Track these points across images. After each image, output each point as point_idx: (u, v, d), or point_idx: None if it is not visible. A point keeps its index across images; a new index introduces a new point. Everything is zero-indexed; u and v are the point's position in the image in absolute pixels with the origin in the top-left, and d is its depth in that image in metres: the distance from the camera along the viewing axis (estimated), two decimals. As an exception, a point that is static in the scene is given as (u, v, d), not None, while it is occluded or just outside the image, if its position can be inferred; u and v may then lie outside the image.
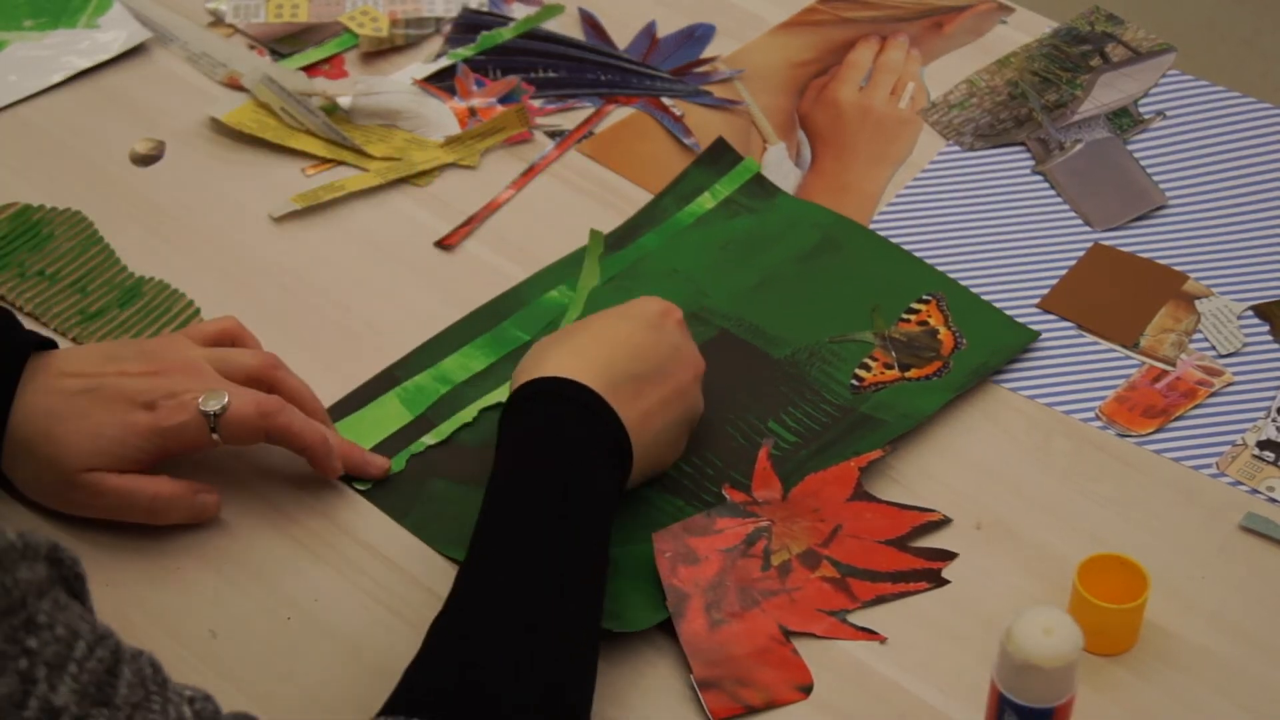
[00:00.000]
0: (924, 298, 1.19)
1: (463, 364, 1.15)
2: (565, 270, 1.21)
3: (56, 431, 1.02)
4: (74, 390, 1.03)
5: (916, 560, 1.04)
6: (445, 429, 1.11)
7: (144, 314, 1.17)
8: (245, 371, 1.06)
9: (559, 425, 0.99)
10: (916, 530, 1.05)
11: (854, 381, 1.13)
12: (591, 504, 0.98)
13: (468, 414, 1.11)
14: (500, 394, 1.12)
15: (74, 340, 1.16)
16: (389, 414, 1.12)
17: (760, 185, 1.27)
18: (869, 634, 1.00)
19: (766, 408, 1.11)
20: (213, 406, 1.02)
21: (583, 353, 1.02)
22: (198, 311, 1.17)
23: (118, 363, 1.05)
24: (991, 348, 1.15)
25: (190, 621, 1.00)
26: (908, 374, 1.14)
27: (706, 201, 1.26)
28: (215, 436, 1.03)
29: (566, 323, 1.17)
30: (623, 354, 1.03)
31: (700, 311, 1.17)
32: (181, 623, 1.00)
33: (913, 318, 1.18)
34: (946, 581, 1.03)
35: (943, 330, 1.16)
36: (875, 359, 1.15)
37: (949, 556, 1.04)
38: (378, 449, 1.10)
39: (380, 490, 1.08)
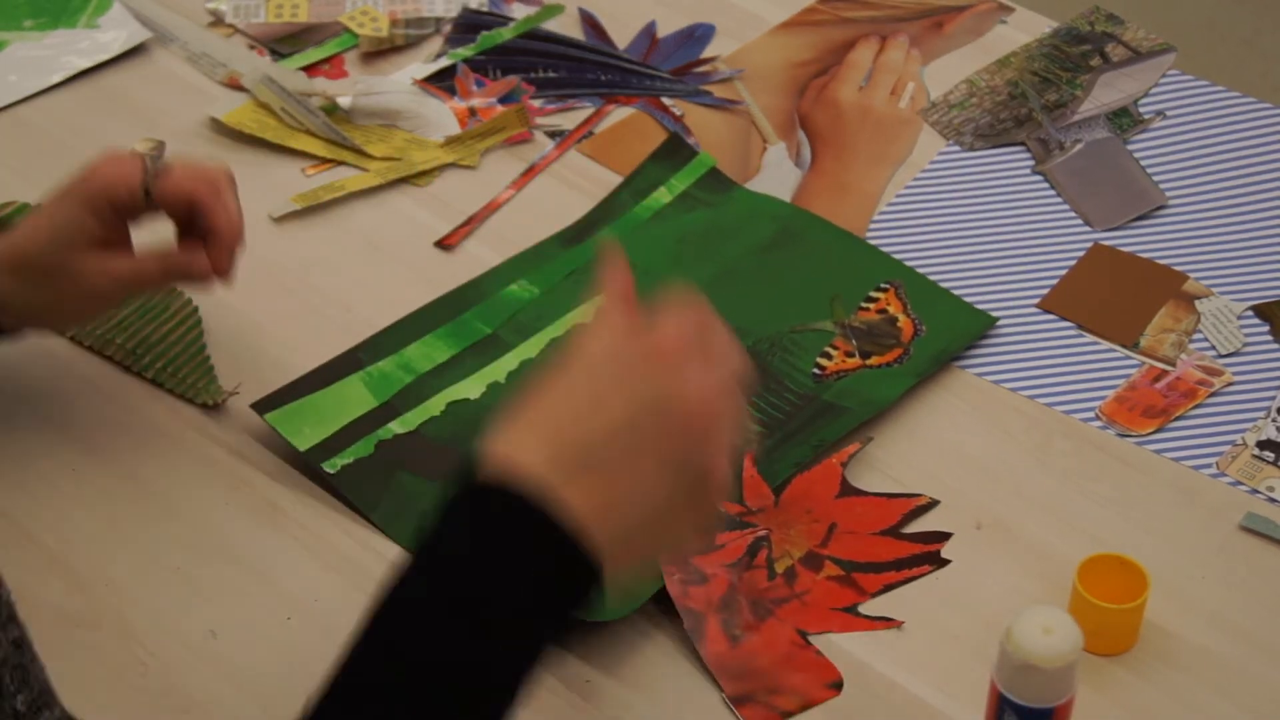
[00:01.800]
0: (882, 286, 1.20)
1: (425, 353, 1.15)
2: (526, 264, 1.21)
3: (27, 246, 1.05)
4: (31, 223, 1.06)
5: (914, 545, 1.05)
6: (412, 419, 1.11)
7: (142, 312, 1.17)
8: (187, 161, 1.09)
9: (482, 558, 0.79)
10: (907, 516, 1.06)
11: (816, 370, 1.14)
12: (503, 659, 0.79)
13: (435, 406, 1.12)
14: (465, 387, 1.13)
15: (72, 339, 1.15)
16: (353, 397, 1.12)
17: (716, 179, 1.28)
18: (885, 622, 1.01)
19: None
20: (152, 152, 1.06)
21: (534, 425, 0.81)
22: (196, 309, 1.17)
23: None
24: (951, 334, 1.16)
25: (190, 621, 1.00)
26: (869, 361, 1.15)
27: (663, 196, 1.27)
28: (148, 193, 1.05)
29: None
30: (576, 421, 0.81)
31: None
32: (181, 623, 1.00)
33: (872, 306, 1.18)
34: (947, 561, 1.04)
35: (902, 317, 1.17)
36: (836, 347, 1.16)
37: (944, 538, 1.05)
38: (342, 432, 1.10)
39: (349, 477, 1.08)
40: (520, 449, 0.80)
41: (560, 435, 0.80)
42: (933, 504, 1.07)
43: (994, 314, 1.18)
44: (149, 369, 1.13)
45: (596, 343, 0.84)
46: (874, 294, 1.19)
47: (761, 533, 1.05)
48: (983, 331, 1.17)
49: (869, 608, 1.02)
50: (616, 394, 0.81)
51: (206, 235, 1.07)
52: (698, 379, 0.83)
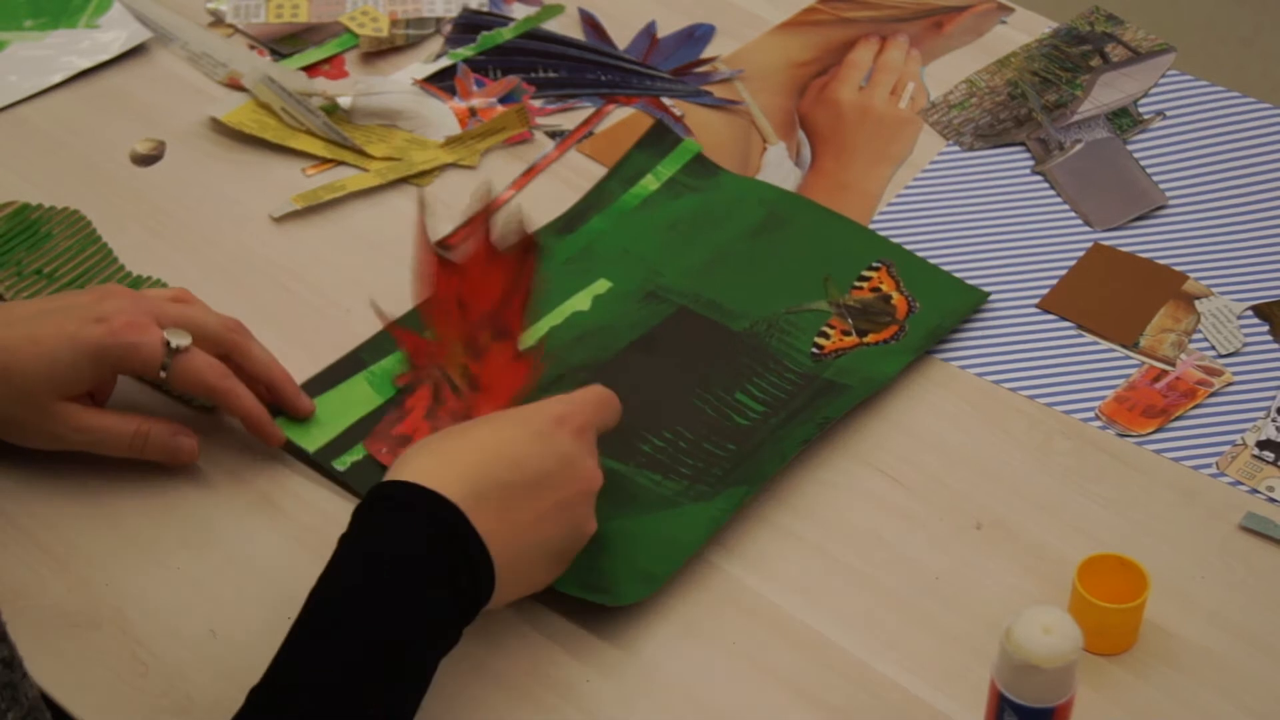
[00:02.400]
0: (874, 265, 1.20)
1: None
2: None
3: (11, 365, 1.02)
4: (20, 319, 1.04)
5: (510, 256, 1.06)
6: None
7: None
8: (206, 330, 1.06)
9: (399, 538, 0.91)
10: (523, 268, 1.07)
11: (814, 349, 1.15)
12: (417, 632, 0.89)
13: None
14: None
15: None
16: (357, 397, 1.12)
17: (702, 165, 1.29)
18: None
19: (732, 379, 1.13)
20: (176, 340, 1.04)
21: (451, 459, 0.94)
22: None
23: (65, 297, 1.07)
24: (944, 310, 1.17)
25: (190, 621, 1.00)
26: (866, 339, 1.15)
27: (650, 183, 1.27)
28: (164, 374, 1.04)
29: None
30: (497, 461, 0.94)
31: (657, 290, 1.19)
32: (181, 623, 1.00)
33: (865, 284, 1.19)
34: (538, 244, 1.06)
35: (895, 295, 1.18)
36: (833, 327, 1.16)
37: (533, 237, 1.06)
38: (349, 431, 1.10)
39: (359, 473, 1.08)
40: (433, 476, 0.92)
41: (470, 468, 0.93)
42: (535, 239, 1.06)
43: (994, 314, 1.18)
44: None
45: (514, 410, 0.99)
46: (866, 273, 1.20)
47: (433, 371, 1.09)
48: (976, 306, 1.18)
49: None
50: (531, 447, 0.96)
51: (240, 419, 1.08)
52: (592, 454, 0.99)
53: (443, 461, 0.94)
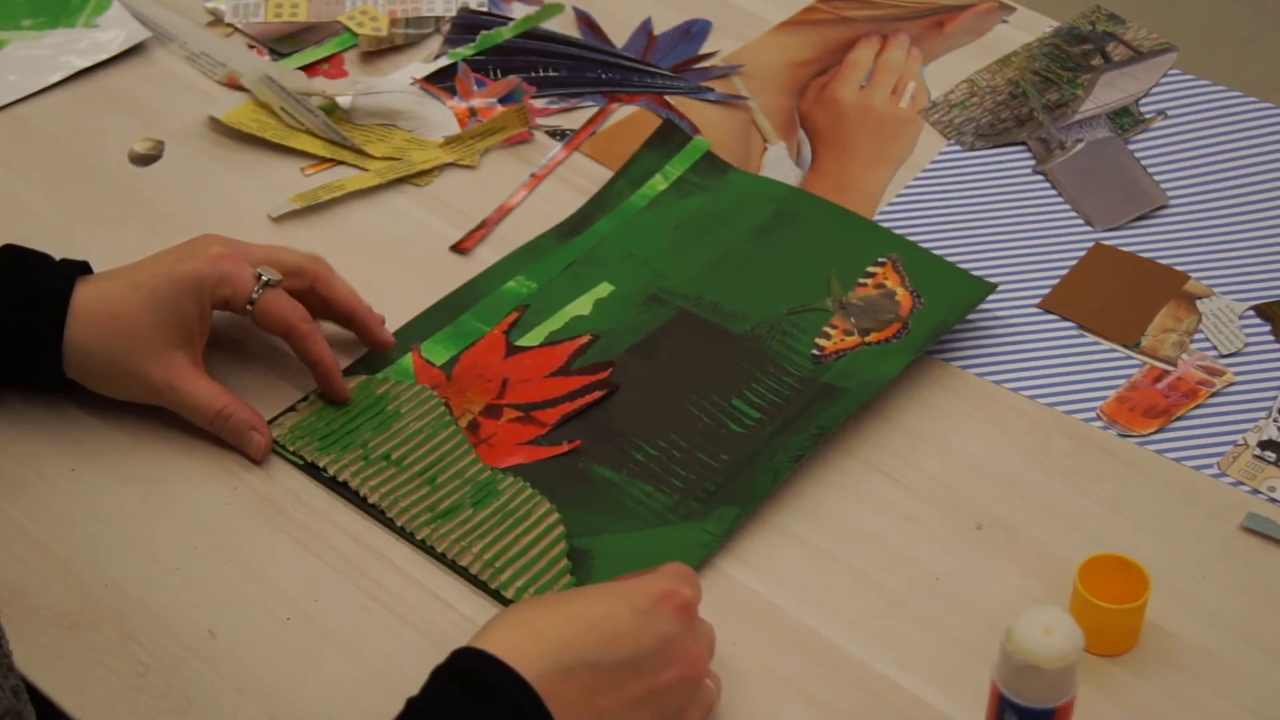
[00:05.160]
0: (879, 260, 1.20)
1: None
2: (523, 260, 1.21)
3: (117, 311, 1.06)
4: (120, 272, 1.08)
5: (584, 377, 1.12)
6: None
7: (502, 517, 1.05)
8: (290, 263, 1.11)
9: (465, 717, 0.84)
10: (574, 355, 1.13)
11: (815, 351, 1.14)
12: None
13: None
14: None
15: (422, 541, 1.04)
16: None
17: (711, 163, 1.28)
18: (569, 444, 1.08)
19: (729, 385, 1.12)
20: (268, 274, 1.08)
21: (538, 632, 0.86)
22: (559, 520, 1.04)
23: (159, 252, 1.11)
24: (950, 304, 1.16)
25: (190, 621, 1.00)
26: (868, 338, 1.15)
27: (659, 183, 1.27)
28: (250, 308, 1.08)
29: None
30: (589, 637, 0.86)
31: (659, 293, 1.18)
32: (181, 623, 1.00)
33: (869, 281, 1.18)
34: (618, 386, 1.11)
35: (900, 291, 1.17)
36: (835, 326, 1.16)
37: (609, 365, 1.13)
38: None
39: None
40: (515, 648, 0.85)
41: (559, 644, 0.86)
42: (595, 340, 1.14)
43: (995, 314, 1.18)
44: (508, 586, 1.01)
45: (618, 581, 0.92)
46: (871, 269, 1.19)
47: (440, 399, 1.11)
48: (981, 299, 1.17)
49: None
50: (629, 624, 0.88)
51: (310, 366, 1.10)
52: (696, 637, 0.91)
53: (528, 634, 0.86)
